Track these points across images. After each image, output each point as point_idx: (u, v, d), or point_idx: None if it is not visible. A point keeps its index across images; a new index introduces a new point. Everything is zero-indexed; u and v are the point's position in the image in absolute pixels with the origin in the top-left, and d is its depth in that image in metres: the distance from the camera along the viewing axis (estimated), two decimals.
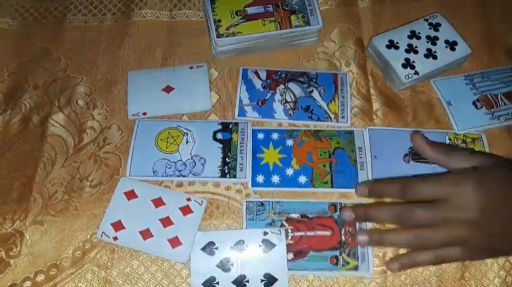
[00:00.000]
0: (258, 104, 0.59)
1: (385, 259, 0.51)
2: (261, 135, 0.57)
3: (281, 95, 0.60)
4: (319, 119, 0.58)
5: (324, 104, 0.59)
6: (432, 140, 0.55)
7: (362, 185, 0.53)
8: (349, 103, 0.59)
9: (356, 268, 0.50)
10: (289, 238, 0.51)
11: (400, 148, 0.56)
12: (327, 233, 0.52)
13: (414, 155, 0.55)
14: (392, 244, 0.50)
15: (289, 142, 0.56)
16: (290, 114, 0.58)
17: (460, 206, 0.45)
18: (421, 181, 0.49)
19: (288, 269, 0.50)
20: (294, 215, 0.52)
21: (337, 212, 0.52)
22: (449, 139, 0.56)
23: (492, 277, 0.50)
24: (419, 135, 0.54)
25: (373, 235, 0.50)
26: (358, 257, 0.50)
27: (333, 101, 0.59)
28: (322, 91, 0.60)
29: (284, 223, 0.52)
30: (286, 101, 0.59)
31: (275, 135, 0.57)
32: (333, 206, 0.53)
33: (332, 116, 0.58)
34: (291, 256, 0.51)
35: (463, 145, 0.56)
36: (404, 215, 0.47)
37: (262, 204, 0.53)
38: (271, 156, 0.56)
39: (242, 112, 0.59)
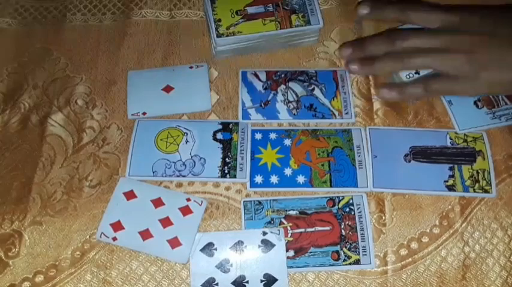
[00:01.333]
0: (261, 105, 0.59)
1: (386, 259, 0.51)
2: (258, 136, 0.57)
3: (283, 95, 0.59)
4: (323, 117, 0.58)
5: (326, 101, 0.59)
6: (433, 139, 0.55)
7: (363, 4, 0.53)
8: (351, 98, 0.59)
9: (358, 262, 0.50)
10: (289, 235, 0.51)
11: (400, 148, 0.55)
12: (327, 228, 0.51)
13: (415, 155, 0.55)
14: (382, 68, 0.52)
15: (287, 142, 0.56)
16: (294, 114, 0.58)
17: (470, 28, 0.45)
18: (415, 7, 0.48)
19: (289, 267, 0.50)
20: (293, 212, 0.52)
21: (336, 207, 0.52)
22: (450, 138, 0.56)
23: (494, 278, 0.50)
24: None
25: (364, 62, 0.52)
26: (359, 251, 0.50)
27: (335, 98, 0.59)
28: (324, 88, 0.60)
29: (283, 220, 0.52)
30: (289, 101, 0.59)
31: (273, 135, 0.57)
32: (331, 200, 0.53)
33: (336, 112, 0.58)
34: (291, 253, 0.50)
35: (464, 144, 0.55)
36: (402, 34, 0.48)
37: (260, 203, 0.53)
38: (269, 156, 0.56)
39: (246, 115, 0.58)
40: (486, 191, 0.53)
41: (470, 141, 0.56)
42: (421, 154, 0.55)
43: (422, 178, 0.54)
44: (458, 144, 0.56)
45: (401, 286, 0.50)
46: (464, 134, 0.56)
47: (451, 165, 0.54)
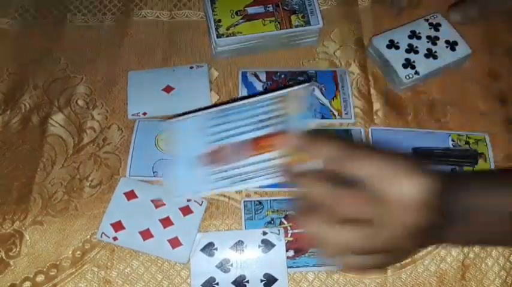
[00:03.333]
0: None
1: None
2: None
3: None
4: (323, 117, 0.58)
5: (326, 102, 0.59)
6: (435, 141, 0.56)
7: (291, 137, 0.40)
8: (351, 99, 0.59)
9: None
10: (289, 235, 0.51)
11: (402, 148, 0.55)
12: None
13: (417, 156, 0.55)
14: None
15: None
16: None
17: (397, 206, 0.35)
18: (355, 158, 0.37)
19: (289, 267, 0.50)
20: (293, 212, 0.52)
21: None
22: (453, 140, 0.56)
23: (493, 278, 0.50)
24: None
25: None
26: None
27: (335, 98, 0.59)
28: (324, 89, 0.60)
29: (283, 220, 0.52)
30: None
31: None
32: None
33: (336, 113, 0.58)
34: (291, 253, 0.51)
35: (466, 145, 0.55)
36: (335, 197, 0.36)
37: (260, 203, 0.53)
38: None
39: None
40: None
41: (473, 143, 0.56)
42: (423, 155, 0.55)
43: None
44: (460, 146, 0.56)
45: (400, 286, 0.50)
46: (467, 136, 0.56)
47: (453, 167, 0.54)
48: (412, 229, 0.35)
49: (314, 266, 0.50)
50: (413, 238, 0.35)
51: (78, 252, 0.51)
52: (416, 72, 0.58)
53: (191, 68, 0.62)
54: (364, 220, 0.35)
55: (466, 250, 0.51)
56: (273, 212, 0.52)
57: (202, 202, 0.53)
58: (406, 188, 0.35)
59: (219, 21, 0.61)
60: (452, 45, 0.60)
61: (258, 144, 0.42)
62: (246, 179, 0.42)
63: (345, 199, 0.36)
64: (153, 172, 0.55)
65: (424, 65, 0.59)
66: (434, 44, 0.60)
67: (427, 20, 0.62)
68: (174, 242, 0.51)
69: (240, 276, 0.49)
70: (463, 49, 0.60)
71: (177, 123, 0.45)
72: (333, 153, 0.38)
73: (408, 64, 0.59)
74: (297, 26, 0.61)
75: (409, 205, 0.34)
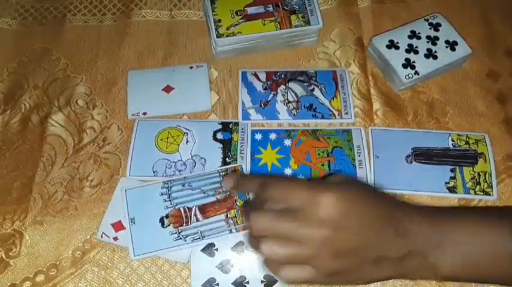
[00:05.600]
0: (261, 106, 0.59)
1: None
2: (258, 136, 0.57)
3: (283, 95, 0.59)
4: (323, 117, 0.58)
5: (326, 102, 0.59)
6: (435, 141, 0.56)
7: (229, 177, 0.48)
8: (351, 98, 0.59)
9: None
10: None
11: (402, 148, 0.56)
12: None
13: (417, 156, 0.55)
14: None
15: (287, 142, 0.56)
16: (294, 114, 0.58)
17: (312, 218, 0.38)
18: (276, 182, 0.41)
19: None
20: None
21: None
22: (452, 140, 0.56)
23: None
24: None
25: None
26: None
27: (335, 98, 0.59)
28: (323, 89, 0.60)
29: None
30: (289, 101, 0.59)
31: (273, 136, 0.57)
32: None
33: (336, 113, 0.58)
34: None
35: (466, 145, 0.55)
36: (251, 220, 0.40)
37: None
38: (269, 156, 0.56)
39: (246, 115, 0.58)
40: (487, 194, 0.53)
41: (472, 143, 0.56)
42: (423, 155, 0.55)
43: (423, 179, 0.54)
44: (460, 146, 0.56)
45: (400, 286, 0.50)
46: (467, 136, 0.56)
47: (453, 167, 0.54)
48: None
49: None
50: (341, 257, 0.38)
51: (78, 252, 0.51)
52: (416, 73, 0.58)
53: (191, 68, 0.62)
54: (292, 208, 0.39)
55: None
56: None
57: None
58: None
59: (219, 21, 0.61)
60: (452, 45, 0.60)
61: (207, 209, 0.52)
62: (200, 238, 0.50)
63: (273, 185, 0.41)
64: (153, 172, 0.55)
65: (424, 65, 0.59)
66: (434, 44, 0.60)
67: (427, 20, 0.62)
68: None
69: (241, 277, 0.49)
70: (463, 49, 0.60)
71: (138, 189, 0.53)
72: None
73: (408, 64, 0.59)
74: (296, 26, 0.61)
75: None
